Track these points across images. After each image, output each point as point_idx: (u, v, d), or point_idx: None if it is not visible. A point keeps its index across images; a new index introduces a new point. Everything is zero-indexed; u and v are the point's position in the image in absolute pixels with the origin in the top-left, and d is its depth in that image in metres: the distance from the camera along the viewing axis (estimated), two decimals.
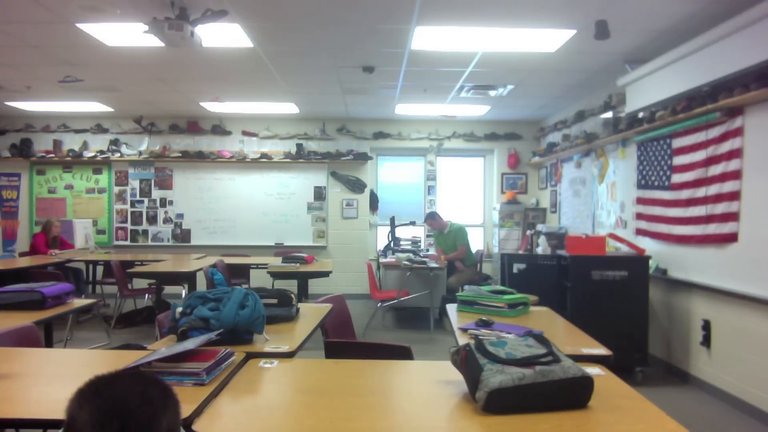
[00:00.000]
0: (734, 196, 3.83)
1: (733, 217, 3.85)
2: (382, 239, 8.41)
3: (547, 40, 4.45)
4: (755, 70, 3.49)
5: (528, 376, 1.57)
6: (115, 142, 8.26)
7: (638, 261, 4.57)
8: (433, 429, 1.51)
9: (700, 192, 4.18)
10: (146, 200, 8.37)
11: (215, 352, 1.90)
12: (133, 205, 8.38)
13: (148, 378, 1.06)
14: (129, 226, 8.38)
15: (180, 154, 8.15)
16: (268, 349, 2.21)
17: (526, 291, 3.42)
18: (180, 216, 8.34)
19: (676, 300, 4.63)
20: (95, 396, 1.00)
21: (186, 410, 1.44)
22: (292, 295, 2.86)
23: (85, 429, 0.96)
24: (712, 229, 4.05)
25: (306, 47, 4.78)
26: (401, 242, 7.64)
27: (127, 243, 8.35)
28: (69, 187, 8.36)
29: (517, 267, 5.67)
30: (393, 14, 3.97)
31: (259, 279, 6.93)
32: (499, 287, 3.22)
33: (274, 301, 2.73)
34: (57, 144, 8.26)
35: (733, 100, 3.70)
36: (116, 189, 8.37)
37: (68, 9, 3.88)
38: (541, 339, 1.79)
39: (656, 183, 4.83)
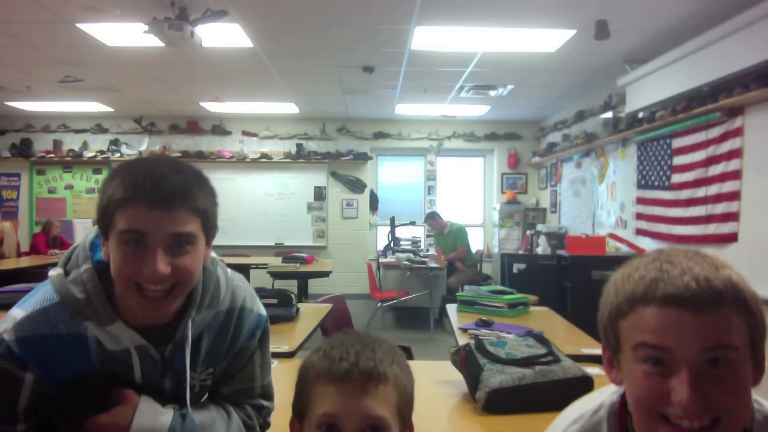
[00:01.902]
0: (734, 196, 3.83)
1: (733, 217, 3.85)
2: (382, 239, 8.41)
3: (547, 40, 4.44)
4: (755, 70, 3.49)
5: (528, 376, 1.57)
6: (115, 142, 8.25)
7: None
8: (433, 429, 1.51)
9: (700, 192, 4.18)
10: None
11: None
12: None
13: (183, 162, 1.02)
14: None
15: (180, 154, 8.13)
16: None
17: (526, 291, 3.42)
18: None
19: None
20: (128, 167, 0.96)
21: None
22: (292, 295, 2.86)
23: (117, 191, 0.92)
24: (712, 229, 4.04)
25: (306, 47, 4.78)
26: (401, 242, 7.65)
27: None
28: (69, 187, 8.36)
29: (517, 267, 5.67)
30: (393, 14, 3.97)
31: (259, 279, 6.93)
32: (499, 287, 3.22)
33: (274, 301, 2.73)
34: (57, 144, 8.25)
35: (733, 100, 3.70)
36: None
37: (68, 9, 3.88)
38: (541, 339, 1.79)
39: (656, 183, 4.83)
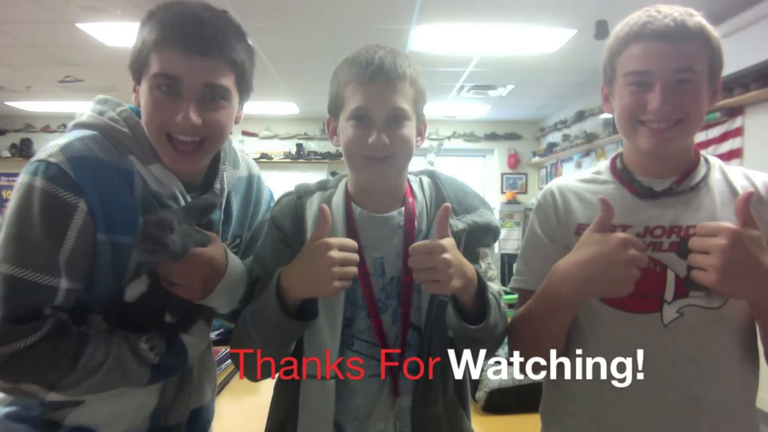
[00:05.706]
0: None
1: None
2: None
3: (547, 40, 4.44)
4: (755, 70, 3.49)
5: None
6: None
7: None
8: None
9: None
10: None
11: (215, 353, 1.90)
12: None
13: (225, 12, 0.99)
14: None
15: None
16: None
17: None
18: None
19: None
20: (165, 8, 0.92)
21: None
22: None
23: (153, 32, 0.89)
24: None
25: (306, 47, 4.79)
26: None
27: None
28: None
29: None
30: (393, 14, 3.97)
31: None
32: None
33: None
34: None
35: (733, 100, 3.69)
36: None
37: (68, 9, 3.87)
38: None
39: None
